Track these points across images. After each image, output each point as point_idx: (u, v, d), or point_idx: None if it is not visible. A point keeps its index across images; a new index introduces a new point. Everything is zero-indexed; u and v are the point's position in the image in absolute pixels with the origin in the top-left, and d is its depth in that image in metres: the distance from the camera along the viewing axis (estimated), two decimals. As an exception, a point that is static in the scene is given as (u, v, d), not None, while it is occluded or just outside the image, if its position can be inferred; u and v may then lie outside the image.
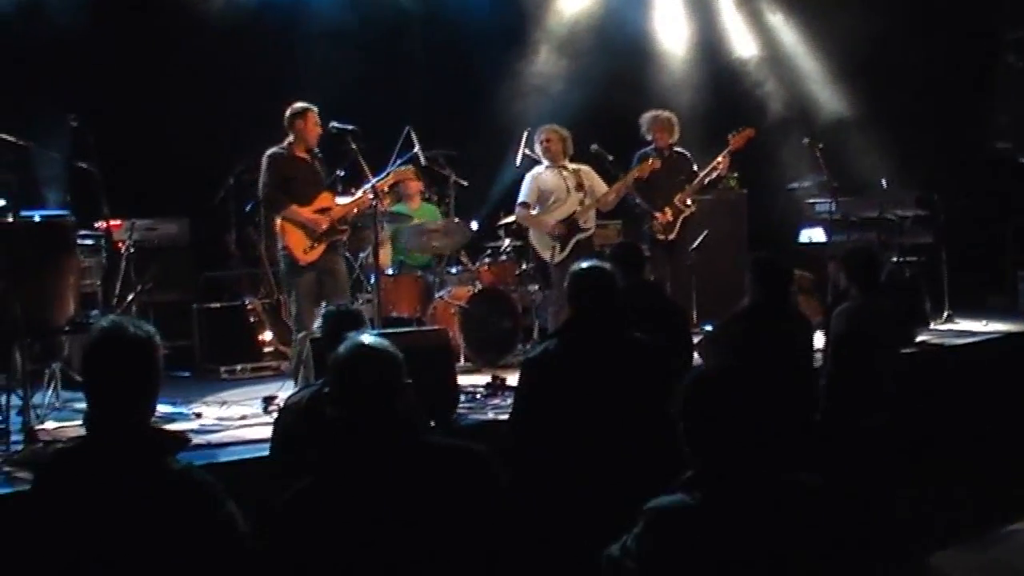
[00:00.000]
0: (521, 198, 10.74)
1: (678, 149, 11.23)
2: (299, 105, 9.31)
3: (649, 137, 11.12)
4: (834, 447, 7.01)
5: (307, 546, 3.73)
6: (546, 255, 10.68)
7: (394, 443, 3.79)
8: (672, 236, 10.99)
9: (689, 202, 11.07)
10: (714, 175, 11.18)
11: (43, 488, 3.90)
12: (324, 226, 9.23)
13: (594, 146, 10.76)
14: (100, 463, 3.75)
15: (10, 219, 7.61)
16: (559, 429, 5.62)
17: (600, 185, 10.73)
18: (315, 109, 9.30)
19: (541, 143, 10.70)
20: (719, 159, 11.06)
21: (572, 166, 10.69)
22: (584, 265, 6.16)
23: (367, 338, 4.03)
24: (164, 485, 3.76)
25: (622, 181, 10.68)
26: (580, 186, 10.60)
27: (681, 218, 10.99)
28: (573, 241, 10.50)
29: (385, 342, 3.99)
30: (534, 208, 10.66)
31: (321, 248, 9.28)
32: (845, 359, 7.63)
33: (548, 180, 10.65)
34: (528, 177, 10.75)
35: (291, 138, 9.30)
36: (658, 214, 10.92)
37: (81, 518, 3.70)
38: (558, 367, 5.75)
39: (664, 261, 10.98)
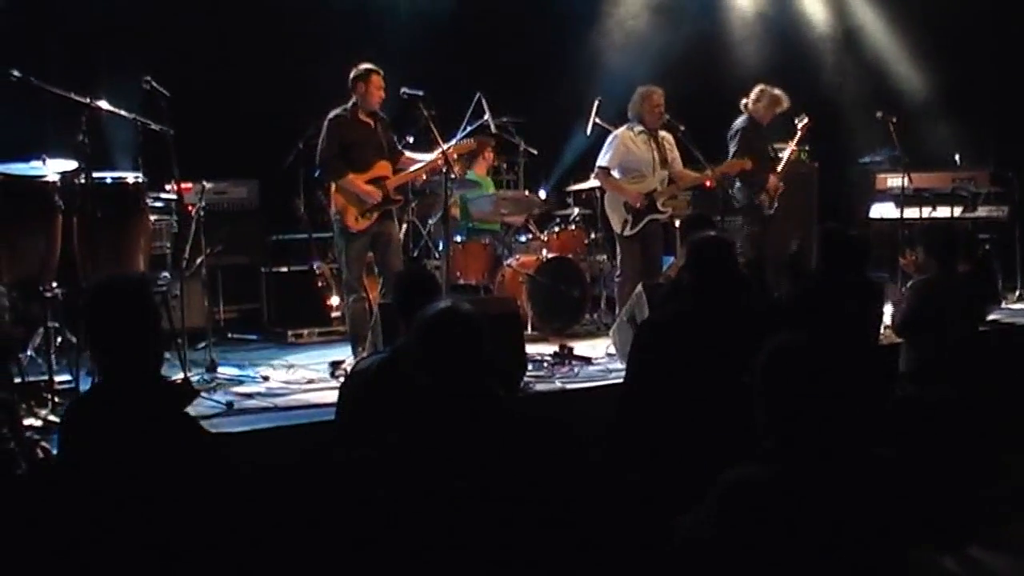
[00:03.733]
0: (603, 161, 10.20)
1: None
2: (363, 67, 9.14)
3: (755, 108, 10.72)
4: (910, 421, 6.97)
5: (387, 509, 3.73)
6: (617, 226, 10.21)
7: (479, 410, 3.79)
8: (771, 211, 10.70)
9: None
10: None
11: (68, 437, 3.99)
12: (377, 198, 9.10)
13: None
14: (121, 411, 3.84)
15: (82, 180, 7.63)
16: (673, 396, 5.56)
17: (678, 159, 10.38)
18: (379, 71, 9.13)
19: (651, 103, 10.11)
20: (791, 148, 11.03)
21: (661, 133, 10.25)
22: (705, 234, 6.16)
23: (457, 303, 4.04)
24: (182, 434, 3.85)
25: (708, 174, 10.29)
26: (665, 161, 10.20)
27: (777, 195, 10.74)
28: (647, 219, 10.09)
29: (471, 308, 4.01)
30: (614, 173, 10.20)
31: (373, 216, 9.15)
32: (918, 334, 7.59)
33: (638, 149, 10.15)
34: (615, 139, 10.22)
35: (354, 100, 9.18)
36: (769, 187, 10.56)
37: (104, 465, 3.81)
38: (678, 333, 5.70)
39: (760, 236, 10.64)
